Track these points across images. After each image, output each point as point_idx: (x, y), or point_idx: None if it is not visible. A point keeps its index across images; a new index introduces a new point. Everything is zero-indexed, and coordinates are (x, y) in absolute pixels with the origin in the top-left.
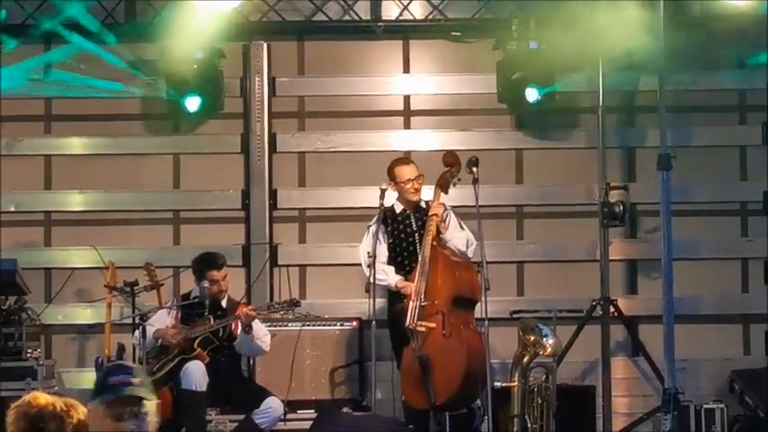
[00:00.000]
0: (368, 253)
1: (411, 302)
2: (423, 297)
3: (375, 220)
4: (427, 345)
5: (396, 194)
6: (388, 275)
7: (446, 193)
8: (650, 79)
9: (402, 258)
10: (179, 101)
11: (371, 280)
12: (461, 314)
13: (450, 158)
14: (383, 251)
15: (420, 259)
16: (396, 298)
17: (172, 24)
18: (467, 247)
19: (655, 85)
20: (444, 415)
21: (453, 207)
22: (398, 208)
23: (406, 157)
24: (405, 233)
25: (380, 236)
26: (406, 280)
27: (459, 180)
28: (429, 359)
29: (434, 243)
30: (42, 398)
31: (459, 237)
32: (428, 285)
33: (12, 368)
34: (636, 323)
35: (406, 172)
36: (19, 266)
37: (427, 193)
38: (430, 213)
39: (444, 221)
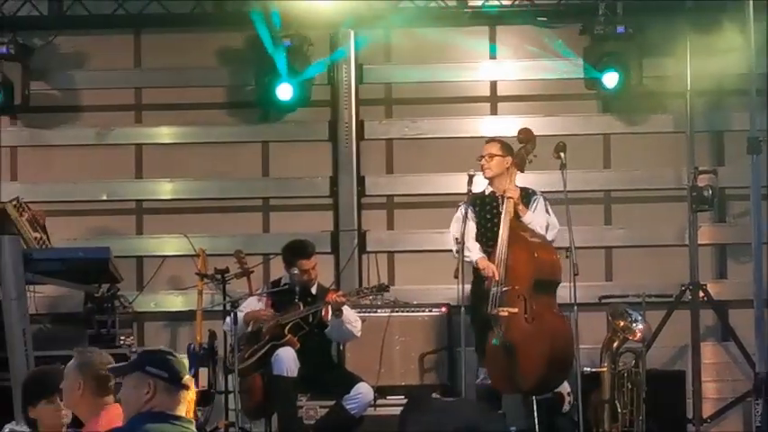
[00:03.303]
0: (456, 239)
1: (492, 288)
2: (503, 282)
3: (463, 203)
4: (510, 331)
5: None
6: (472, 252)
7: (522, 171)
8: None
9: (486, 240)
10: (270, 89)
11: (459, 264)
12: (543, 298)
13: (524, 135)
14: (471, 228)
15: (499, 242)
16: (479, 282)
17: (259, 13)
18: (545, 231)
19: (744, 68)
20: (532, 400)
21: (542, 192)
22: (488, 191)
23: (491, 137)
24: (491, 215)
25: (469, 217)
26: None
27: (536, 157)
28: (513, 346)
29: (513, 225)
30: None
31: (538, 220)
32: (508, 269)
33: None
34: (725, 308)
35: (482, 149)
36: (111, 255)
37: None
38: (506, 196)
39: (529, 206)
